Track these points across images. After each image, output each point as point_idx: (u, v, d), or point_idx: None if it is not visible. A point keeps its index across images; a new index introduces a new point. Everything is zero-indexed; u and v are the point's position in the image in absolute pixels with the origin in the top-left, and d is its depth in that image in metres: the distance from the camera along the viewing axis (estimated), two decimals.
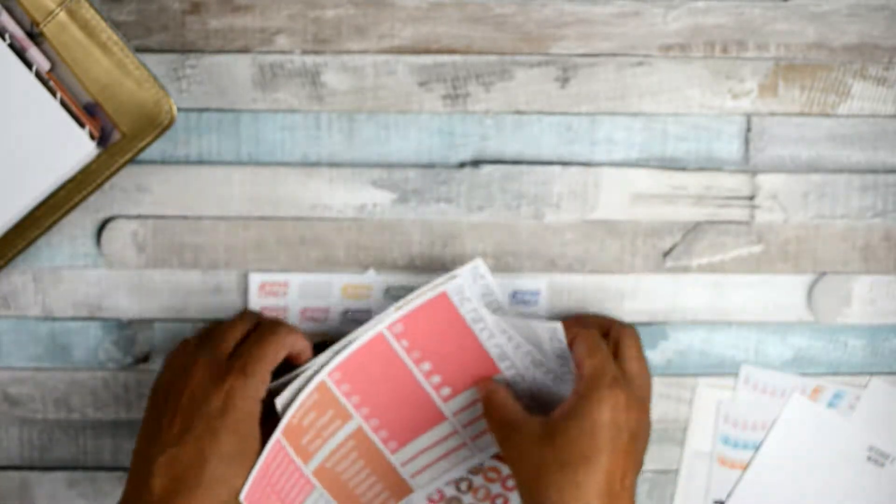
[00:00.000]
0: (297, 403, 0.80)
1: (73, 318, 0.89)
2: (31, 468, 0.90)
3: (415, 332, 0.84)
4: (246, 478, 0.79)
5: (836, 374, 0.91)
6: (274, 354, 0.81)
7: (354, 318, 0.88)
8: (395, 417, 0.85)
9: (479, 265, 0.84)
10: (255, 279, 0.88)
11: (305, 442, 0.82)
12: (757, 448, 0.92)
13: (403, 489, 0.88)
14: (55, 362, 0.89)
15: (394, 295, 0.88)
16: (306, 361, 0.83)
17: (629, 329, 0.85)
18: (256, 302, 0.88)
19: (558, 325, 0.82)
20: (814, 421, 0.91)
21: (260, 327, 0.83)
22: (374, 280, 0.88)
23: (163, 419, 0.80)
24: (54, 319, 0.89)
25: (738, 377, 0.91)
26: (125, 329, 0.89)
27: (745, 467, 0.92)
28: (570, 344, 0.83)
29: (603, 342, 0.82)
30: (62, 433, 0.90)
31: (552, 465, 0.78)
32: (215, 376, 0.80)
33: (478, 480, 0.90)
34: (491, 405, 0.85)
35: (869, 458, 0.92)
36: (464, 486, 0.90)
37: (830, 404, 0.91)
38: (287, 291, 0.88)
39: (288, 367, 0.83)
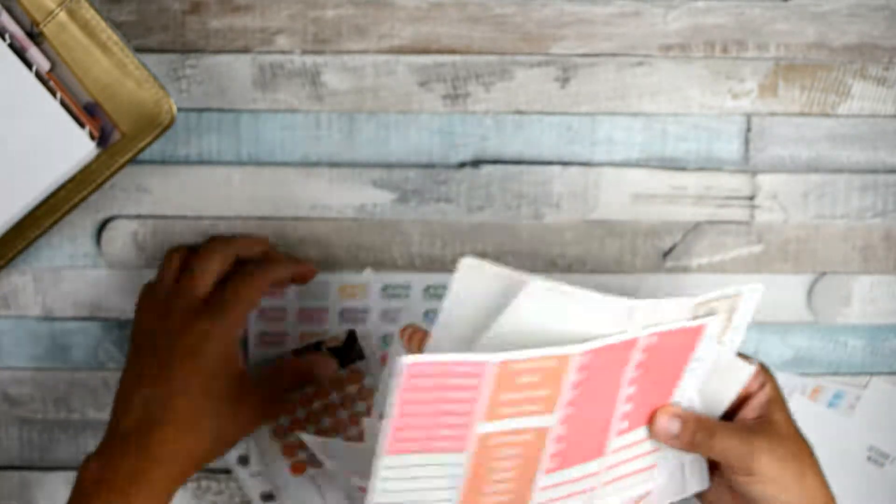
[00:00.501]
0: (532, 353, 0.69)
1: (73, 318, 0.89)
2: (31, 468, 0.90)
3: (655, 351, 0.74)
4: (215, 419, 0.80)
5: (836, 374, 0.91)
6: (249, 299, 0.83)
7: (351, 318, 0.88)
8: (576, 435, 0.74)
9: (749, 307, 0.76)
10: None
11: (503, 399, 0.70)
12: None
13: None
14: (55, 362, 0.89)
15: (390, 294, 0.88)
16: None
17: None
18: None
19: (752, 369, 0.77)
20: (814, 421, 0.91)
21: (237, 275, 0.84)
22: (370, 279, 0.88)
23: (143, 361, 0.82)
24: (54, 319, 0.88)
25: None
26: (125, 329, 0.89)
27: None
28: (754, 386, 0.79)
29: None
30: (62, 433, 0.89)
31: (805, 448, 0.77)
32: (192, 318, 0.82)
33: None
34: (699, 426, 0.77)
35: (869, 458, 0.92)
36: None
37: (830, 404, 0.91)
38: (285, 292, 0.88)
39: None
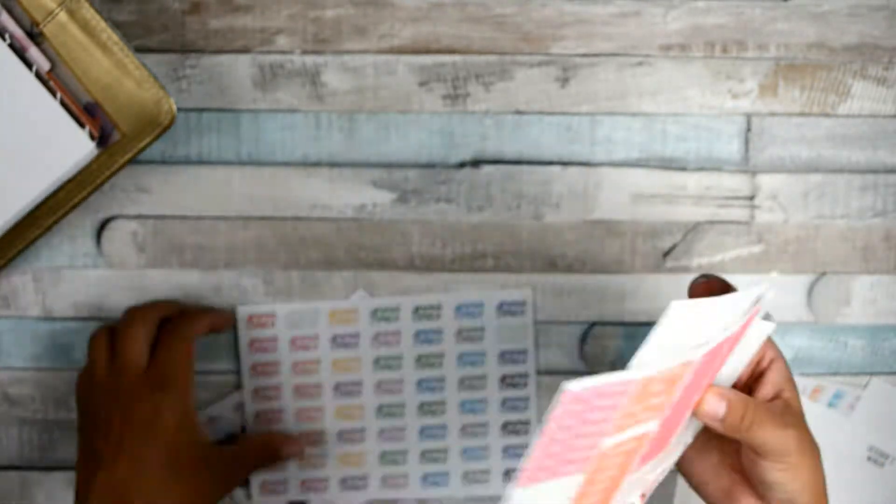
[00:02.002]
0: (668, 364, 0.66)
1: (73, 318, 0.89)
2: (31, 468, 0.90)
3: (733, 340, 0.71)
4: (182, 491, 0.79)
5: (836, 374, 0.91)
6: (187, 360, 0.83)
7: (344, 344, 0.89)
8: (664, 433, 0.71)
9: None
10: (243, 312, 0.88)
11: (632, 411, 0.66)
12: None
13: None
14: (55, 362, 0.89)
15: (380, 317, 0.88)
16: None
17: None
18: (246, 335, 0.88)
19: (773, 325, 0.74)
20: (814, 421, 0.91)
21: (164, 334, 0.84)
22: (360, 304, 0.88)
23: (97, 445, 0.81)
24: (54, 319, 0.89)
25: None
26: None
27: None
28: (765, 362, 0.75)
29: None
30: (62, 433, 0.89)
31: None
32: (140, 392, 0.81)
33: None
34: (747, 409, 0.72)
35: (869, 458, 0.92)
36: None
37: (830, 404, 0.91)
38: (275, 322, 0.88)
39: None
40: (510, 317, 0.89)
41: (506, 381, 0.90)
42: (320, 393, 0.89)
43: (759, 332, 0.74)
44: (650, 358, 0.66)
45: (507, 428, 0.90)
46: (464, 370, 0.90)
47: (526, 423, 0.90)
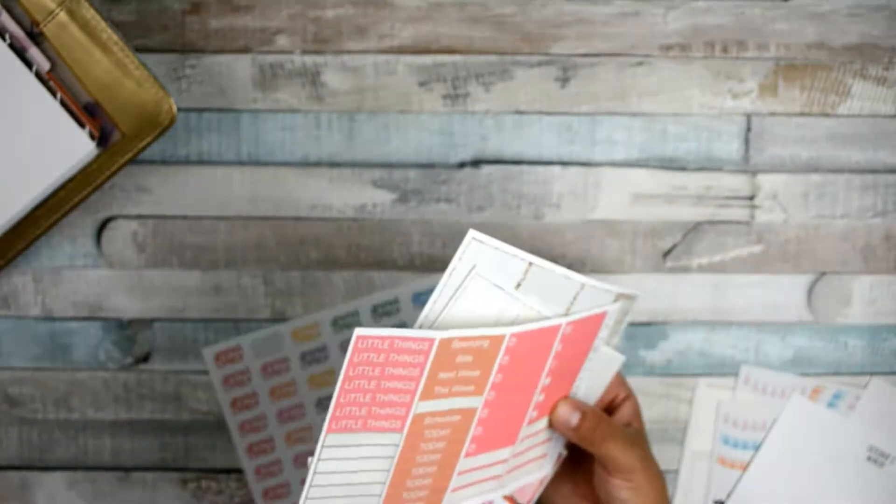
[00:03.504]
0: (471, 332, 0.70)
1: (73, 318, 0.89)
2: (31, 468, 0.90)
3: (570, 340, 0.75)
4: None
5: (836, 374, 0.91)
6: None
7: (314, 359, 0.89)
8: (495, 420, 0.75)
9: (635, 299, 0.78)
10: (209, 353, 0.88)
11: (440, 378, 0.70)
12: (757, 448, 0.92)
13: (437, 501, 0.77)
14: (55, 362, 0.89)
15: (342, 325, 0.89)
16: None
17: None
18: (218, 374, 0.88)
19: (622, 358, 0.80)
20: (814, 421, 0.91)
21: None
22: (319, 317, 0.88)
23: None
24: (54, 319, 0.89)
25: (738, 377, 0.91)
26: (125, 329, 0.89)
27: (745, 467, 0.92)
28: (619, 399, 0.82)
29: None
30: (62, 433, 0.90)
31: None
32: None
33: None
34: (600, 423, 0.78)
35: (869, 458, 0.92)
36: None
37: (830, 404, 0.91)
38: (242, 355, 0.88)
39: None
40: None
41: None
42: (304, 413, 0.89)
43: (609, 361, 0.78)
44: (450, 317, 0.69)
45: None
46: None
47: None
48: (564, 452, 0.80)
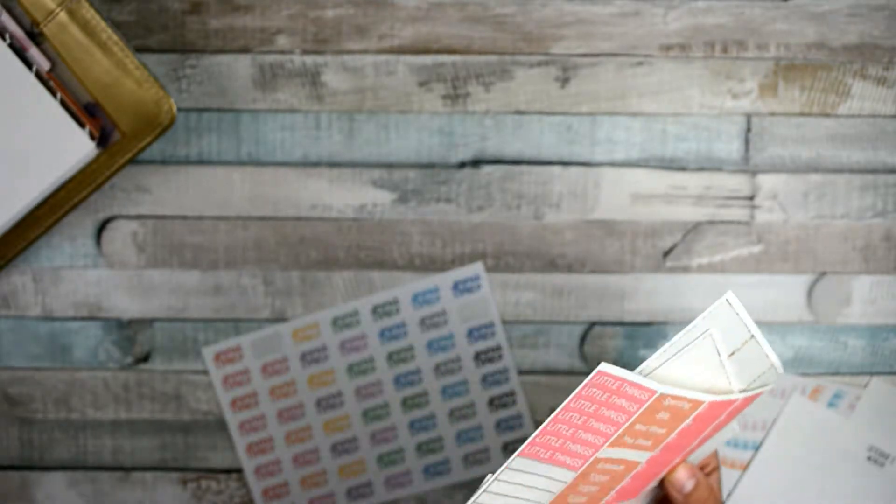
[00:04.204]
0: (684, 392, 0.69)
1: (73, 318, 0.89)
2: (31, 468, 0.90)
3: (731, 413, 0.74)
4: None
5: (836, 374, 0.91)
6: None
7: (314, 359, 0.89)
8: (643, 475, 0.73)
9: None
10: (209, 353, 0.88)
11: (636, 428, 0.69)
12: (757, 448, 0.92)
13: None
14: (55, 362, 0.89)
15: (341, 325, 0.89)
16: None
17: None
18: (218, 373, 0.88)
19: (737, 427, 0.79)
20: (814, 421, 0.91)
21: None
22: (320, 318, 0.88)
23: None
24: (54, 319, 0.89)
25: None
26: (125, 329, 0.89)
27: (745, 467, 0.92)
28: (709, 469, 0.81)
29: None
30: (62, 433, 0.90)
31: None
32: None
33: None
34: (711, 495, 0.78)
35: (869, 458, 0.92)
36: None
37: (830, 404, 0.91)
38: (242, 355, 0.88)
39: None
40: (468, 294, 0.89)
41: (480, 358, 0.90)
42: (303, 412, 0.89)
43: (726, 431, 0.77)
44: (667, 371, 0.68)
45: (494, 403, 0.90)
46: (437, 357, 0.90)
47: (511, 394, 0.90)
48: None
